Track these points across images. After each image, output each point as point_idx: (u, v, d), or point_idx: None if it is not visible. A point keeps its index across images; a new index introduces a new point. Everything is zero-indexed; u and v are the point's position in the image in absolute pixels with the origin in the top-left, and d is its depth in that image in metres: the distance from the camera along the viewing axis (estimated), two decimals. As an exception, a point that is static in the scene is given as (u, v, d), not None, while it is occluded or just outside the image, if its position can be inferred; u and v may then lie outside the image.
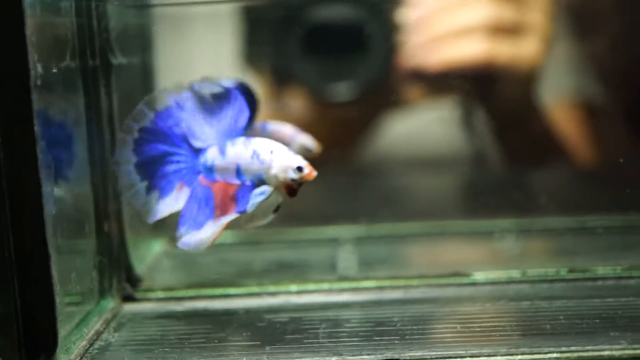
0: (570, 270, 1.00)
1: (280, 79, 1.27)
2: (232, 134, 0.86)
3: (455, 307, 0.94)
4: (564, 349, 0.78)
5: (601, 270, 1.00)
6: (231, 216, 0.84)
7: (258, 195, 0.83)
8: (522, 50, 1.20)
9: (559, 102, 1.27)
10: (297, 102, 1.26)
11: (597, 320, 0.86)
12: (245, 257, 1.18)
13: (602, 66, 1.24)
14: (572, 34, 1.25)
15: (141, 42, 1.16)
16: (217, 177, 0.86)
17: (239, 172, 0.85)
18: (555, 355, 0.77)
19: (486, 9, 1.19)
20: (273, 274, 1.07)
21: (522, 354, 0.78)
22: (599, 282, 0.99)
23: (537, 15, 1.20)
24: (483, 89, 1.23)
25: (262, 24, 1.25)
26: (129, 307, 0.99)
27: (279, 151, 0.83)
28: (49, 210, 0.77)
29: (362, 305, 0.96)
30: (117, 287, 1.00)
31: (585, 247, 1.09)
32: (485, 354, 0.78)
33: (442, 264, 1.05)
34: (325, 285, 1.01)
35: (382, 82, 1.23)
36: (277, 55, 1.25)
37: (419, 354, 0.79)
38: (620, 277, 0.99)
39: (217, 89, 0.86)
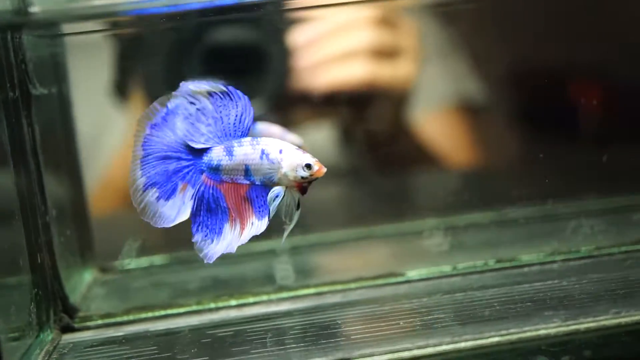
0: (498, 261, 1.05)
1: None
2: (237, 134, 0.85)
3: (394, 305, 0.97)
4: (503, 332, 0.82)
5: (526, 257, 1.05)
6: (257, 227, 0.84)
7: (274, 199, 0.83)
8: (399, 71, 1.27)
9: (437, 111, 1.35)
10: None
11: (529, 303, 0.91)
12: (179, 277, 1.18)
13: (482, 73, 1.32)
14: (446, 51, 1.32)
15: (57, 72, 1.15)
16: (224, 177, 0.85)
17: (247, 172, 0.84)
18: (497, 339, 0.81)
19: (366, 34, 1.27)
20: (211, 291, 1.08)
21: (466, 340, 0.81)
22: (525, 269, 1.04)
23: (409, 40, 1.29)
24: (364, 108, 1.29)
25: (159, 48, 1.25)
26: (69, 337, 0.97)
27: (288, 150, 0.83)
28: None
29: (304, 312, 0.97)
30: (55, 319, 0.99)
31: (508, 238, 1.14)
32: (432, 345, 0.81)
33: (376, 266, 1.08)
34: (265, 297, 1.02)
35: (278, 102, 1.26)
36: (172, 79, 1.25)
37: (368, 351, 0.81)
38: (544, 263, 1.04)
39: (217, 89, 0.84)
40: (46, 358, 0.90)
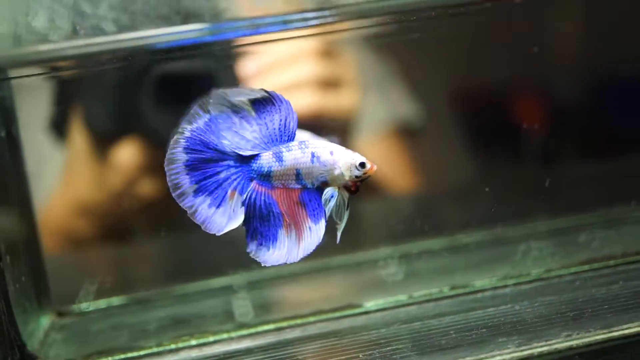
0: (452, 287, 1.07)
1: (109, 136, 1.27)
2: (283, 139, 0.84)
3: (353, 337, 0.98)
4: (460, 360, 0.84)
5: (479, 283, 1.08)
6: (316, 231, 0.83)
7: (330, 200, 0.83)
8: (342, 100, 1.31)
9: (378, 137, 1.38)
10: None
11: (484, 330, 0.94)
12: (138, 318, 1.18)
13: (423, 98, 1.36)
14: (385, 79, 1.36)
15: (3, 115, 1.14)
16: (275, 183, 0.84)
17: (299, 176, 0.83)
18: (454, 368, 0.83)
19: (309, 66, 1.29)
20: (170, 331, 1.08)
21: (424, 371, 0.83)
22: (479, 295, 1.06)
23: (350, 70, 1.32)
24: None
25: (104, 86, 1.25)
26: (28, 386, 0.97)
27: (339, 151, 0.83)
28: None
29: (264, 348, 0.98)
30: (13, 367, 0.98)
31: (461, 264, 1.16)
32: (392, 377, 0.82)
33: (334, 298, 1.09)
34: (225, 335, 1.03)
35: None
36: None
37: (328, 386, 0.82)
38: (496, 287, 1.07)
39: (259, 95, 0.83)
40: (7, 408, 0.89)
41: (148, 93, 1.21)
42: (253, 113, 0.83)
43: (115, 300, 1.21)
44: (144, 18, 1.07)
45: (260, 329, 1.03)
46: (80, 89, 1.24)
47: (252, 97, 0.83)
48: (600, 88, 1.34)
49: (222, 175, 0.84)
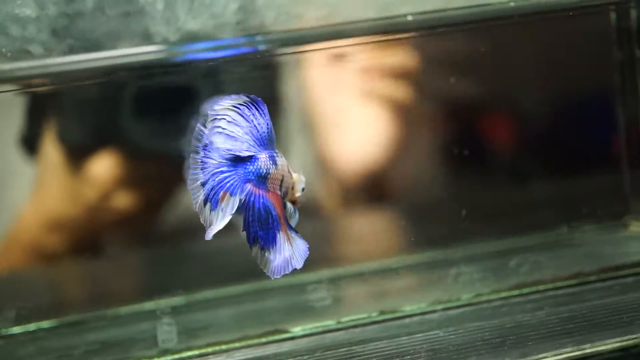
0: (381, 313, 1.07)
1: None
2: (272, 142, 0.83)
3: (278, 364, 0.97)
4: (378, 390, 0.83)
5: (408, 308, 1.08)
6: (301, 239, 0.83)
7: (293, 215, 0.84)
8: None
9: None
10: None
11: (407, 357, 0.93)
12: (66, 342, 1.15)
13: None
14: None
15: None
16: (269, 186, 0.82)
17: (282, 183, 0.83)
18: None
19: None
20: (95, 357, 1.06)
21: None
22: (407, 320, 1.06)
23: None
24: None
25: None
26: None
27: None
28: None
29: (187, 375, 0.97)
30: None
31: (392, 288, 1.16)
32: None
33: (261, 323, 1.08)
34: (148, 362, 1.01)
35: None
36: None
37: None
38: (425, 313, 1.07)
39: (241, 100, 0.82)
40: None
41: (124, 106, 1.20)
42: (240, 117, 0.82)
43: (45, 324, 1.19)
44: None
45: (184, 354, 1.02)
46: (53, 103, 1.22)
47: (238, 102, 0.82)
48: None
49: (218, 178, 0.83)
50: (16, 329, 1.15)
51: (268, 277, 1.19)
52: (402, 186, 1.32)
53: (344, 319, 1.06)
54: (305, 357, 0.97)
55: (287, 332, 1.05)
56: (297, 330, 1.05)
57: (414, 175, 1.30)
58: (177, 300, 1.11)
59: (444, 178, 1.29)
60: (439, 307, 1.08)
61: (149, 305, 1.13)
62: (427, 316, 1.06)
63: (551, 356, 0.88)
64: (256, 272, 1.22)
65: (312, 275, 1.16)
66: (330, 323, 1.06)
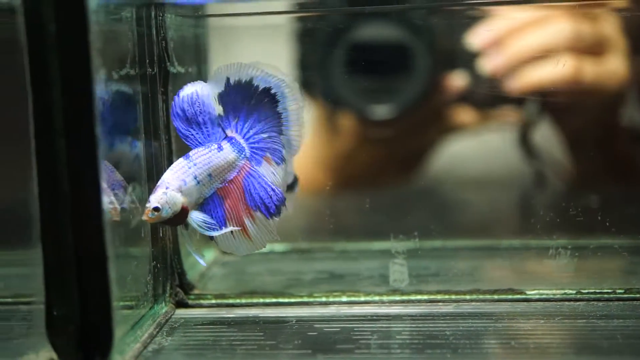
0: (627, 291, 0.98)
1: (330, 101, 1.29)
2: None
3: (509, 322, 0.93)
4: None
5: (647, 289, 0.99)
6: None
7: None
8: (606, 68, 1.18)
9: None
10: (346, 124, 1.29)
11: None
12: (295, 266, 1.19)
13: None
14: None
15: (197, 52, 1.17)
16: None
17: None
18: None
19: (565, 27, 1.17)
20: (324, 284, 1.08)
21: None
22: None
23: (613, 32, 1.19)
24: (563, 109, 1.22)
25: (310, 43, 1.26)
26: (182, 312, 1.00)
27: None
28: (108, 216, 0.79)
29: (413, 318, 0.95)
30: (170, 293, 1.01)
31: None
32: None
33: (495, 280, 1.04)
34: (376, 297, 1.01)
35: (425, 103, 1.23)
36: (323, 77, 1.25)
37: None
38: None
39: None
40: (157, 330, 0.92)
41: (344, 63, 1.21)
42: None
43: (277, 246, 1.23)
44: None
45: (413, 297, 1.00)
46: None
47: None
48: None
49: None
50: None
51: (503, 238, 1.18)
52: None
53: (585, 290, 0.99)
54: (541, 321, 0.92)
55: (522, 293, 0.99)
56: (532, 293, 0.99)
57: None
58: (411, 244, 1.09)
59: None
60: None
61: (384, 244, 1.11)
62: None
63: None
64: (495, 230, 1.19)
65: (551, 241, 1.09)
66: (570, 292, 0.99)
